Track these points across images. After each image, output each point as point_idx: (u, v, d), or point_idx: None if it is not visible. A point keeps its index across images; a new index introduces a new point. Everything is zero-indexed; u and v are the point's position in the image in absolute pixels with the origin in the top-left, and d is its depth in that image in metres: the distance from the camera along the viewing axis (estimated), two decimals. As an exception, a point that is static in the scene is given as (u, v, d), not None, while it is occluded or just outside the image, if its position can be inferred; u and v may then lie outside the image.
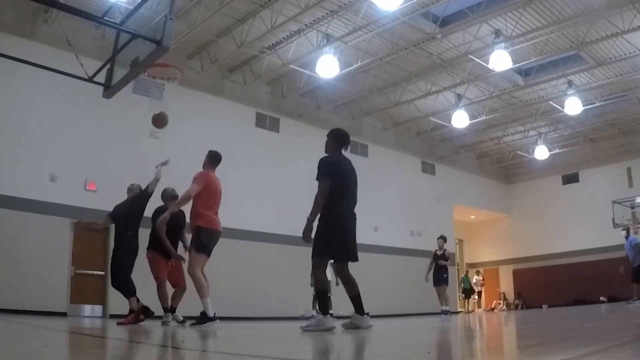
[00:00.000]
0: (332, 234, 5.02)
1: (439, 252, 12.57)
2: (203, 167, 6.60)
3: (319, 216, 5.07)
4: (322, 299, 5.17)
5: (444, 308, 12.14)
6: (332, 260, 5.35)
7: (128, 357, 2.94)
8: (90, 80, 6.86)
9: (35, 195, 10.24)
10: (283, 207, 13.57)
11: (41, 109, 10.63)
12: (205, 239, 6.10)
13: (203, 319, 6.04)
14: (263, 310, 12.15)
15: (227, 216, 13.33)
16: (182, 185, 12.25)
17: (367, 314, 5.02)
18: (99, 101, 7.52)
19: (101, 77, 6.99)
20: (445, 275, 12.31)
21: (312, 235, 5.08)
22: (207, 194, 6.14)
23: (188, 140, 12.84)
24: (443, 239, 12.68)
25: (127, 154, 11.67)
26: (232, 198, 13.42)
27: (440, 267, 12.36)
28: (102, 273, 10.93)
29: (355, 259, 5.14)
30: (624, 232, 13.53)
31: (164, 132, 12.41)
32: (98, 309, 10.87)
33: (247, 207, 13.20)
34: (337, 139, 5.32)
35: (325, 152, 5.32)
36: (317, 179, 5.10)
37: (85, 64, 6.87)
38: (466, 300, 20.00)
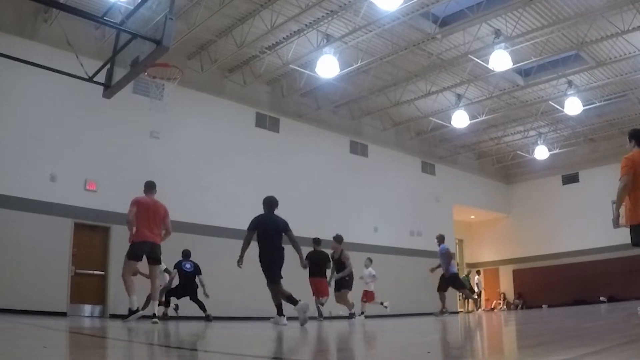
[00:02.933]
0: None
1: (334, 255, 11.00)
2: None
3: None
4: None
5: (352, 311, 11.08)
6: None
7: (128, 357, 2.94)
8: (90, 80, 6.86)
9: (35, 195, 10.23)
10: (282, 207, 13.52)
11: (41, 109, 10.62)
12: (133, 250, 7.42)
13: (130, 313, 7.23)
14: (261, 310, 12.13)
15: (225, 216, 13.43)
16: (180, 184, 12.29)
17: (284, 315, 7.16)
18: (99, 101, 7.53)
19: (101, 77, 7.00)
20: (347, 279, 10.85)
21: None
22: (139, 215, 7.40)
23: (188, 140, 12.85)
24: (336, 239, 11.03)
25: (127, 154, 11.67)
26: (231, 198, 13.49)
27: (339, 271, 10.94)
28: (102, 273, 10.94)
29: (271, 281, 7.19)
30: (436, 241, 12.25)
31: (164, 132, 12.45)
32: (98, 309, 10.87)
33: (246, 207, 13.14)
34: (264, 204, 7.68)
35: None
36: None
37: (85, 64, 6.87)
38: (466, 301, 19.98)
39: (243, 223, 12.76)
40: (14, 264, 9.56)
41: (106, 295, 10.89)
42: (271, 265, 7.16)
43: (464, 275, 20.01)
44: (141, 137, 12.10)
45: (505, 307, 21.04)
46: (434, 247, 19.28)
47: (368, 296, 12.16)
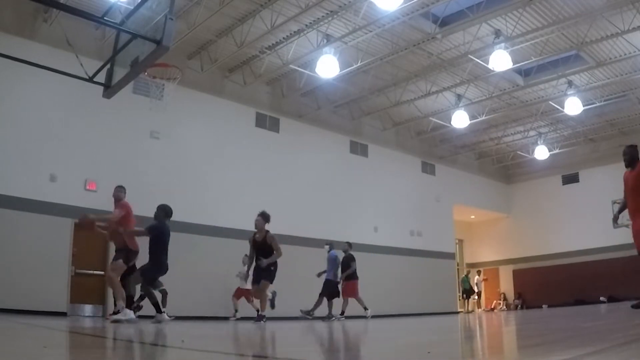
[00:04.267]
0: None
1: (257, 237, 8.76)
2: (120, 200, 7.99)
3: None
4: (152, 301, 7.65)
5: (261, 312, 9.01)
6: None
7: (128, 357, 2.94)
8: (90, 80, 6.86)
9: (35, 195, 10.23)
10: (282, 207, 13.54)
11: (41, 109, 10.62)
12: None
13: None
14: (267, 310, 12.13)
15: (226, 216, 13.41)
16: (180, 184, 12.29)
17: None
18: (99, 101, 7.53)
19: (101, 77, 7.00)
20: (272, 269, 8.60)
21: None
22: (132, 223, 7.78)
23: (188, 140, 12.86)
24: (263, 216, 8.91)
25: (127, 154, 11.67)
26: (232, 198, 13.49)
27: (260, 258, 8.66)
28: (102, 273, 10.92)
29: (150, 285, 7.83)
30: (327, 247, 11.55)
31: (164, 132, 12.45)
32: (98, 309, 10.86)
33: (246, 207, 13.15)
34: (163, 211, 7.86)
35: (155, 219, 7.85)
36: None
37: (85, 64, 6.88)
38: (466, 301, 20.00)
39: (243, 223, 12.88)
40: (14, 264, 9.56)
41: (106, 295, 10.86)
42: (159, 273, 7.80)
43: (463, 275, 20.03)
44: (141, 137, 12.10)
45: (505, 307, 21.04)
46: (434, 247, 19.26)
47: (242, 293, 11.38)
